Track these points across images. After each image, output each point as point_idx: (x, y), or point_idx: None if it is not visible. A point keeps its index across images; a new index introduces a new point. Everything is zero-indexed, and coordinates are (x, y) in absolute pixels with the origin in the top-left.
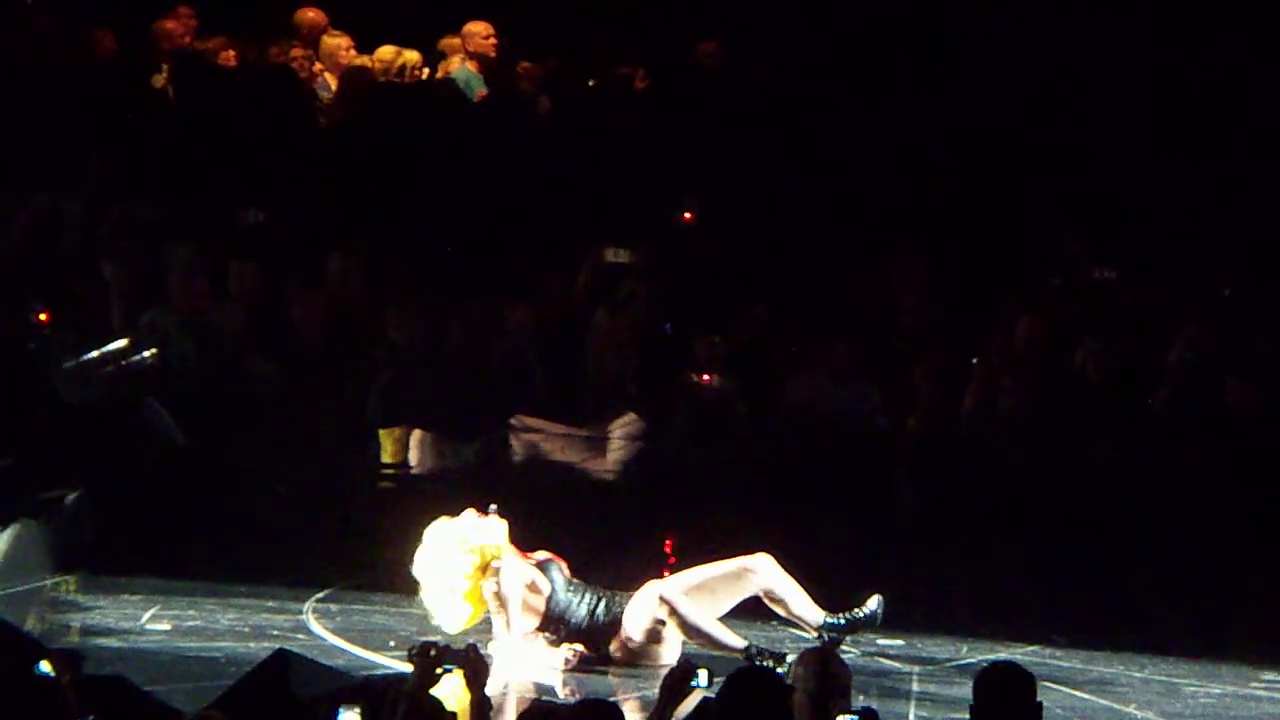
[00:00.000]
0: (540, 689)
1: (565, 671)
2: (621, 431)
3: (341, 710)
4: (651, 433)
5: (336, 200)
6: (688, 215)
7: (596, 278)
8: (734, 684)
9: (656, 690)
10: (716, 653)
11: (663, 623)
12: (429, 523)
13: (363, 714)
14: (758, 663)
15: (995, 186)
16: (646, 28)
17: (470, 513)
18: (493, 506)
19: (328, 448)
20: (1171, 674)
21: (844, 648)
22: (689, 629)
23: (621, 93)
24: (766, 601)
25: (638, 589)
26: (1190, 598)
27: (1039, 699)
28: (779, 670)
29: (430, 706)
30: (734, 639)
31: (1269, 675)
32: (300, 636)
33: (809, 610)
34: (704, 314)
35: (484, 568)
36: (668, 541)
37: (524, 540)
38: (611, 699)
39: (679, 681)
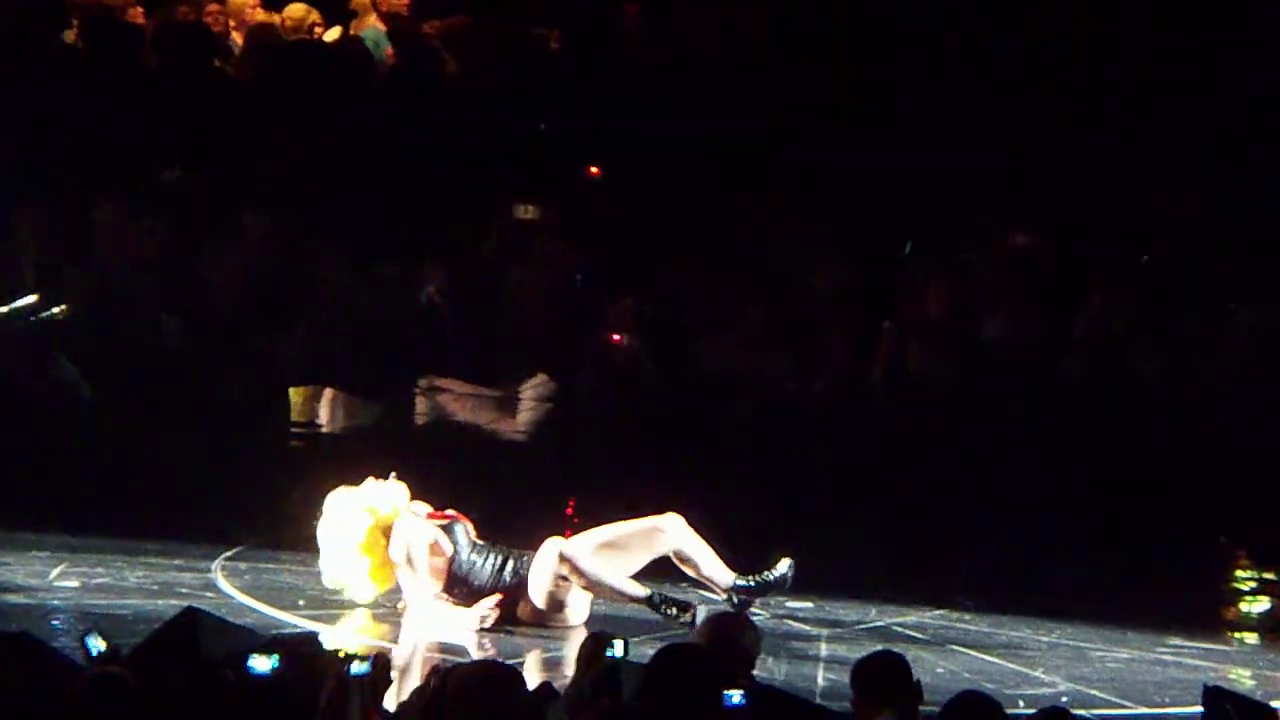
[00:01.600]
0: (450, 650)
1: (480, 631)
2: (532, 392)
3: (254, 656)
4: (561, 393)
5: (251, 159)
6: (595, 170)
7: (507, 235)
8: (662, 661)
9: (564, 650)
10: (622, 605)
11: (564, 579)
12: (338, 481)
13: (279, 661)
14: (662, 611)
15: (907, 152)
16: None
17: (370, 480)
18: (392, 473)
19: (238, 406)
20: (1079, 638)
21: (753, 610)
22: (590, 583)
23: (534, 54)
24: (676, 562)
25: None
26: (1099, 563)
27: (917, 678)
28: (684, 619)
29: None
30: (637, 589)
31: (1175, 640)
32: (209, 594)
33: (719, 571)
34: (616, 275)
35: (383, 530)
36: (570, 503)
37: (430, 500)
38: (517, 660)
39: (594, 652)
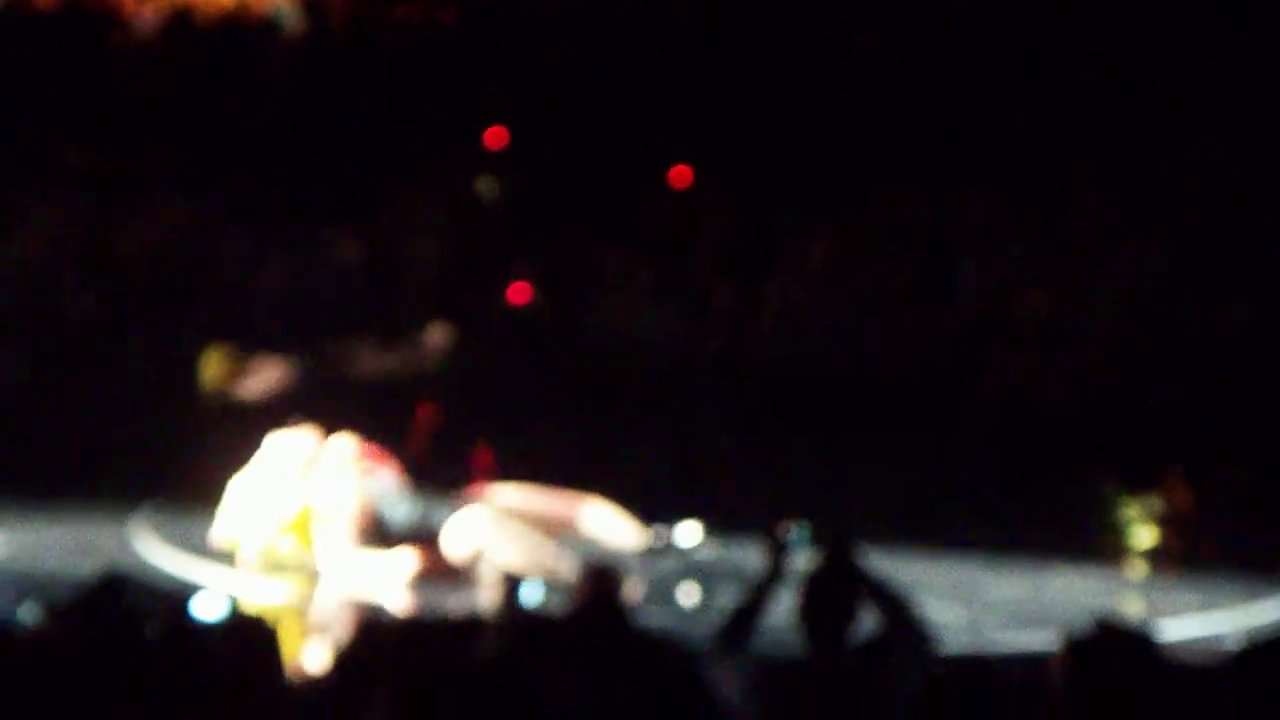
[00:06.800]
0: (370, 604)
1: (397, 584)
2: (434, 344)
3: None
4: (464, 347)
5: (158, 137)
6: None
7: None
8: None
9: (477, 598)
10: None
11: (478, 552)
12: (249, 438)
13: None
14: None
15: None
16: None
17: (277, 441)
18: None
19: (148, 372)
20: (969, 570)
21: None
22: (501, 563)
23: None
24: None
25: (458, 499)
26: (987, 498)
27: None
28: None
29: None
30: (560, 565)
31: (1063, 571)
32: (126, 553)
33: (631, 540)
34: (517, 235)
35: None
36: (479, 457)
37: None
38: (433, 611)
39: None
